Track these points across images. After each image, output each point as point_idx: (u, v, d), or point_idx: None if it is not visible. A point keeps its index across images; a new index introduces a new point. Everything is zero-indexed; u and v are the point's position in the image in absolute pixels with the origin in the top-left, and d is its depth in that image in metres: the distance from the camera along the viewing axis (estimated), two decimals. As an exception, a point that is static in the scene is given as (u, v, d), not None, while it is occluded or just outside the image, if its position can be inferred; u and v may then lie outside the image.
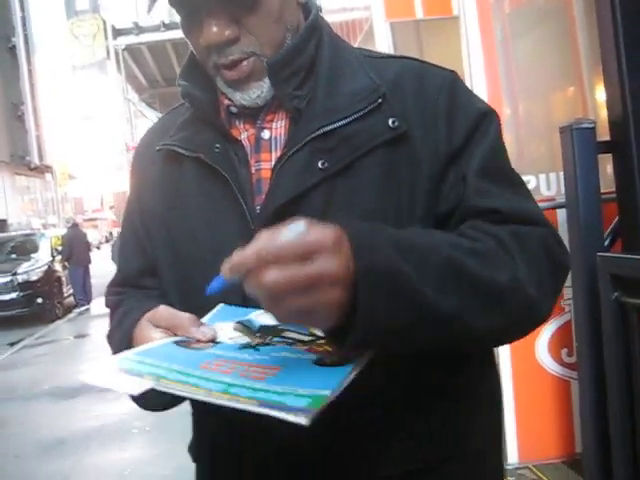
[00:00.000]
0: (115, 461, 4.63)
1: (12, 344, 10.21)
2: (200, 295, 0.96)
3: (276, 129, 0.99)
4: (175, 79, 1.08)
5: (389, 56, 1.07)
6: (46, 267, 12.69)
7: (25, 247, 13.57)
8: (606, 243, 2.25)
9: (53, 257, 13.18)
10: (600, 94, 3.00)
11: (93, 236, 18.67)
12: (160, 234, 1.05)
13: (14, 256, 13.28)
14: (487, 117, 0.98)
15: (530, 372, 2.80)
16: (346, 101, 0.95)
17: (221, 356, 0.79)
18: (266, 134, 0.99)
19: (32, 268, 12.40)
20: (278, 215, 0.90)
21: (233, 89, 0.97)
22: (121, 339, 0.96)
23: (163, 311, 0.91)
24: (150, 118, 23.87)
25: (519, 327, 0.91)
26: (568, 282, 2.36)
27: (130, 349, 0.84)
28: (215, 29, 0.92)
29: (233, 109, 1.01)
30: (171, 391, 0.71)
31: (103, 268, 14.23)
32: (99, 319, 11.63)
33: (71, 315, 12.88)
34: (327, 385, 0.71)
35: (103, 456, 4.72)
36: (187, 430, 1.11)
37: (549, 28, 3.49)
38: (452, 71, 1.03)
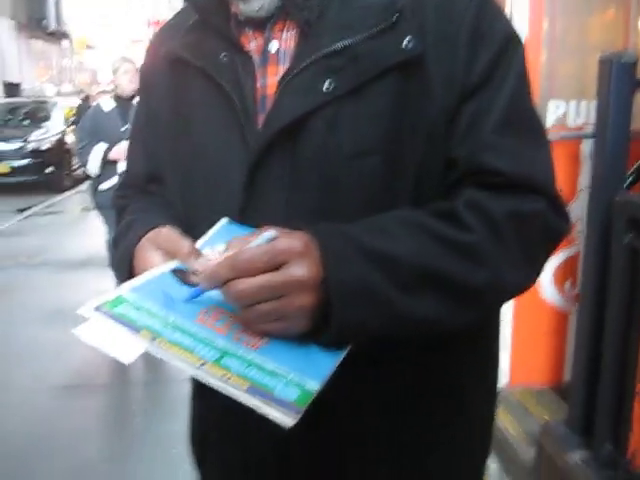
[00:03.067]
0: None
1: (21, 210, 10.32)
2: (201, 208, 0.96)
3: (285, 41, 0.92)
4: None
5: None
6: (58, 137, 12.60)
7: (37, 115, 13.43)
8: (627, 183, 2.22)
9: (65, 128, 13.05)
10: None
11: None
12: (166, 141, 1.01)
13: (26, 123, 13.18)
14: (512, 43, 0.89)
15: (530, 300, 2.83)
16: (359, 16, 0.86)
17: (221, 304, 0.78)
18: (274, 46, 0.92)
19: (44, 137, 12.32)
20: (278, 137, 0.87)
21: None
22: (123, 254, 0.94)
23: (165, 234, 0.89)
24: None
25: (499, 308, 0.97)
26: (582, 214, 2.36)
27: (128, 280, 0.84)
28: None
29: (241, 17, 0.94)
30: (164, 357, 0.71)
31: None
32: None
33: (81, 187, 12.91)
34: (316, 374, 0.73)
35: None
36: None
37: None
38: None
